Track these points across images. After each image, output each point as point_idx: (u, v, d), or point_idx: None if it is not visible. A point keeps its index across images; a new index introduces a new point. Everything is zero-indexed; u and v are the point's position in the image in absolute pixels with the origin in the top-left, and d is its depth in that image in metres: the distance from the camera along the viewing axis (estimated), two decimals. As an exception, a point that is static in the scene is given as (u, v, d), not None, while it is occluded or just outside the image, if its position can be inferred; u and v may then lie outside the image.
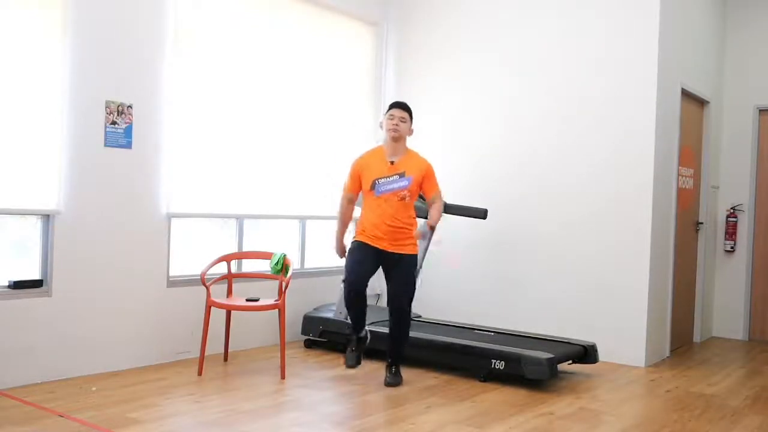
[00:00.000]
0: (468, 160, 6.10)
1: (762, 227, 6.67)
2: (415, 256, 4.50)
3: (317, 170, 5.95)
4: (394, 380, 4.49)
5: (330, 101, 6.10)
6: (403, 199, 4.38)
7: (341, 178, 4.83)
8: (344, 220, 4.62)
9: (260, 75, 5.46)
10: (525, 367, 4.45)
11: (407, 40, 6.55)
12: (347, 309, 4.47)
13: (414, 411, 3.93)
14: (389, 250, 4.39)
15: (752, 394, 4.60)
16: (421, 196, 4.66)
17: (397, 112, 4.47)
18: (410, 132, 4.53)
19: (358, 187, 4.53)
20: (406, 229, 4.41)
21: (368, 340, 4.64)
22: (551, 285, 5.66)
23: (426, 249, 5.25)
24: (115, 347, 4.57)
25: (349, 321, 4.60)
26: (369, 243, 4.40)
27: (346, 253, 4.50)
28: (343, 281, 4.40)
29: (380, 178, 4.40)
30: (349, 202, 4.59)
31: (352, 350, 4.57)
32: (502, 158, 5.95)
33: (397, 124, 4.44)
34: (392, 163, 4.44)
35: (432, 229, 4.57)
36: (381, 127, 4.57)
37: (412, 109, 4.61)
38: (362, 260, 4.36)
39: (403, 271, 4.43)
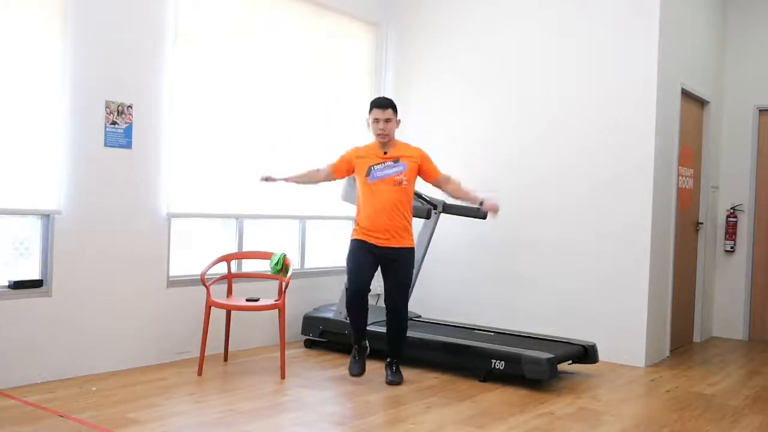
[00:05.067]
0: (467, 159, 6.09)
1: (762, 227, 6.67)
2: (413, 249, 4.50)
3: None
4: (395, 378, 4.49)
5: (330, 101, 6.10)
6: (399, 183, 4.39)
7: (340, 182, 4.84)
8: (305, 175, 4.69)
9: (260, 75, 5.46)
10: (525, 367, 4.44)
11: (407, 40, 6.55)
12: (349, 315, 4.52)
13: (414, 411, 3.93)
14: (386, 245, 4.40)
15: (752, 394, 4.60)
16: (421, 198, 4.66)
17: (381, 114, 4.45)
18: (397, 125, 4.55)
19: (344, 171, 4.58)
20: (403, 219, 4.43)
21: (368, 350, 4.66)
22: (551, 285, 5.66)
23: (428, 242, 5.19)
24: (115, 347, 4.57)
25: (349, 322, 4.61)
26: (366, 240, 4.42)
27: (347, 255, 4.50)
28: (346, 289, 4.44)
29: (375, 165, 4.43)
30: (325, 176, 4.65)
31: (356, 359, 4.58)
32: (501, 158, 5.94)
33: (383, 128, 4.45)
34: (386, 153, 4.48)
35: (484, 205, 4.54)
36: (367, 126, 4.57)
37: (395, 103, 4.59)
38: (361, 265, 4.41)
39: (400, 268, 4.44)
